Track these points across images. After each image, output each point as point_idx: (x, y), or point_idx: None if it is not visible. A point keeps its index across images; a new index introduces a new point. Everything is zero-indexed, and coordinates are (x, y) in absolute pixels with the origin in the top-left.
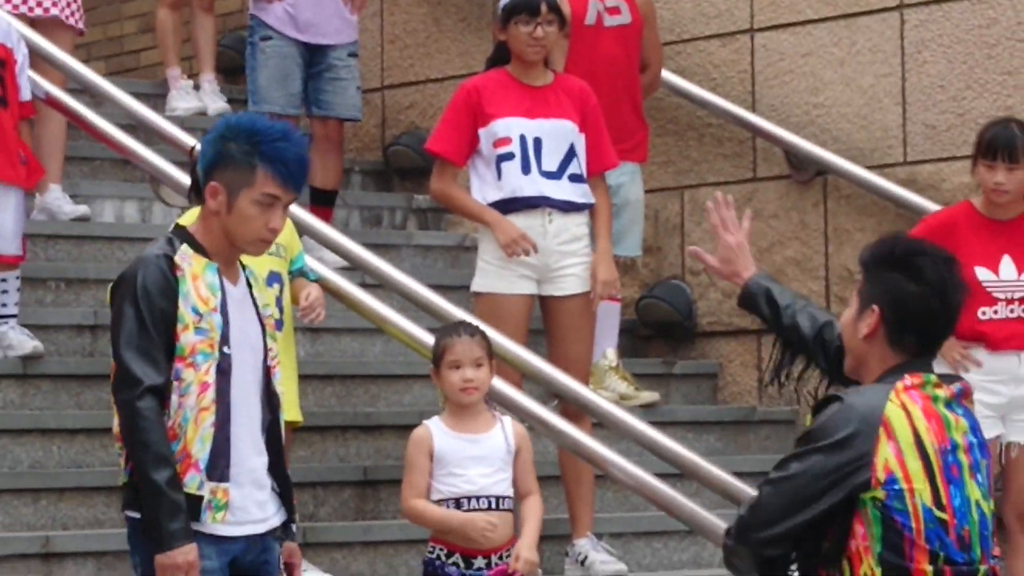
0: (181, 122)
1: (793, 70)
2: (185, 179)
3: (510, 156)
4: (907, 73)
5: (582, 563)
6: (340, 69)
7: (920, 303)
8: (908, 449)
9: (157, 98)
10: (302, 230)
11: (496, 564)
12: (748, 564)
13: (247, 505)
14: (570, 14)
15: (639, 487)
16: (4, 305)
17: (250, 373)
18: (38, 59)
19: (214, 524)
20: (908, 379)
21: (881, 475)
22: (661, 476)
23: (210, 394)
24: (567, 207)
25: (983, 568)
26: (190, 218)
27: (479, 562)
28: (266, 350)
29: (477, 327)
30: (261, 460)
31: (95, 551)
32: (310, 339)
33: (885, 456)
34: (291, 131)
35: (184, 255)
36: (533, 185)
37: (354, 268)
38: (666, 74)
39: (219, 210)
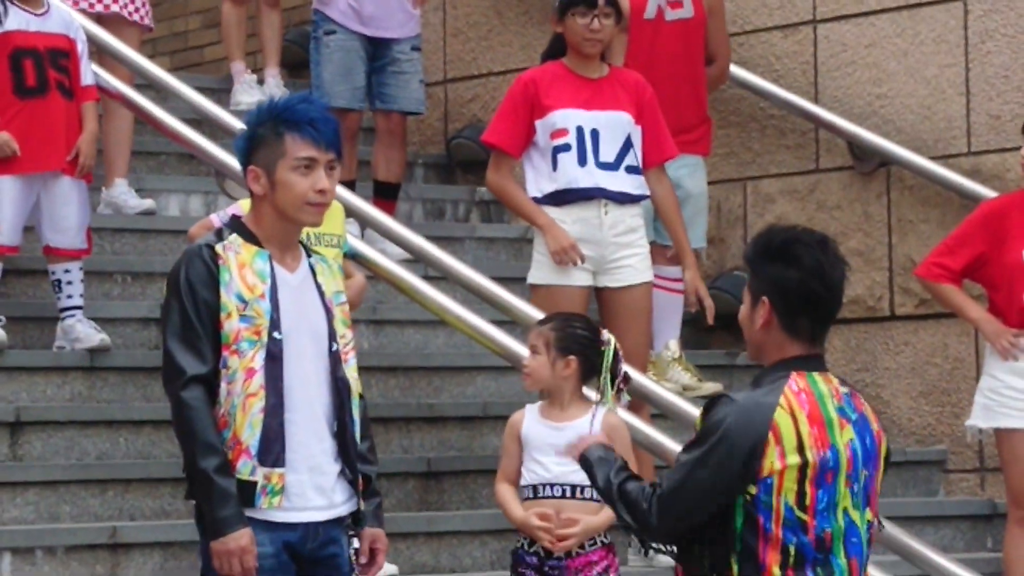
0: (245, 116)
1: (856, 61)
2: None
3: (567, 147)
4: (971, 63)
5: (645, 553)
6: (403, 63)
7: (802, 288)
8: (791, 453)
9: (221, 93)
10: (365, 223)
11: (577, 554)
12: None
13: (305, 491)
14: (629, 8)
15: None
16: (70, 296)
17: (310, 360)
18: (105, 55)
19: (269, 510)
20: (795, 381)
21: (764, 474)
22: None
23: (257, 380)
24: (623, 199)
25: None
26: (246, 208)
27: (558, 553)
28: (331, 336)
29: (559, 316)
30: (323, 447)
31: (162, 542)
32: (374, 331)
33: (771, 460)
34: (309, 96)
35: (230, 244)
36: (589, 177)
37: (417, 260)
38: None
39: (264, 192)
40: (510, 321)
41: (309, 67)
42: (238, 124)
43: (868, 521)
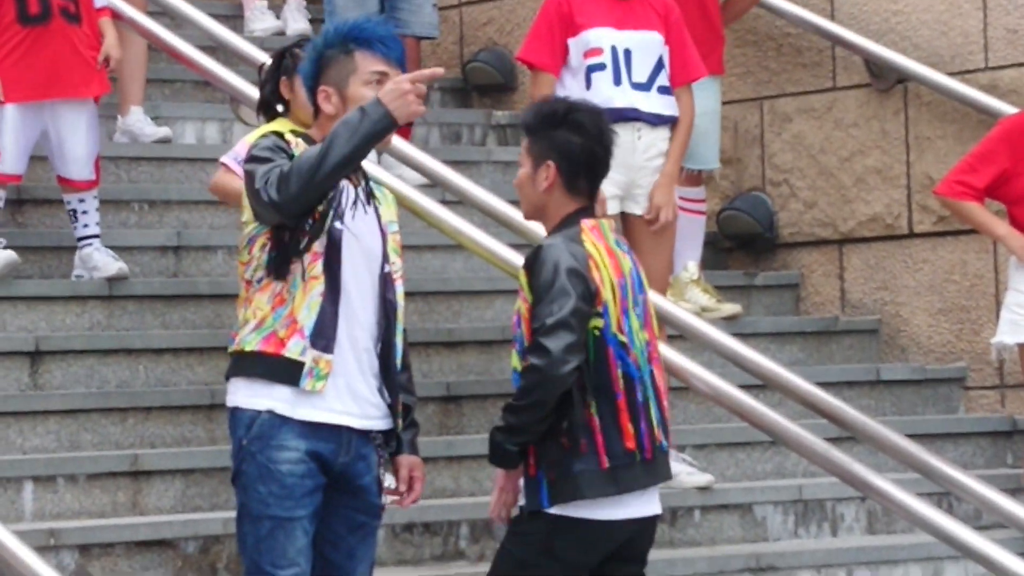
0: (260, 43)
1: None
2: None
3: (601, 67)
4: None
5: None
6: None
7: (586, 151)
8: (606, 282)
9: (236, 19)
10: (382, 148)
11: None
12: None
13: (342, 396)
14: None
15: (721, 398)
16: (86, 226)
17: (363, 274)
18: None
19: (311, 396)
20: (586, 223)
21: (600, 304)
22: (743, 387)
23: (320, 265)
24: (655, 120)
25: (654, 399)
26: (256, 137)
27: None
28: (384, 257)
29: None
30: (368, 359)
31: (183, 468)
32: None
33: (599, 287)
34: (373, 16)
35: (297, 144)
36: (624, 96)
37: (434, 185)
38: None
39: (336, 111)
40: (527, 244)
41: None
42: (253, 51)
43: (646, 339)
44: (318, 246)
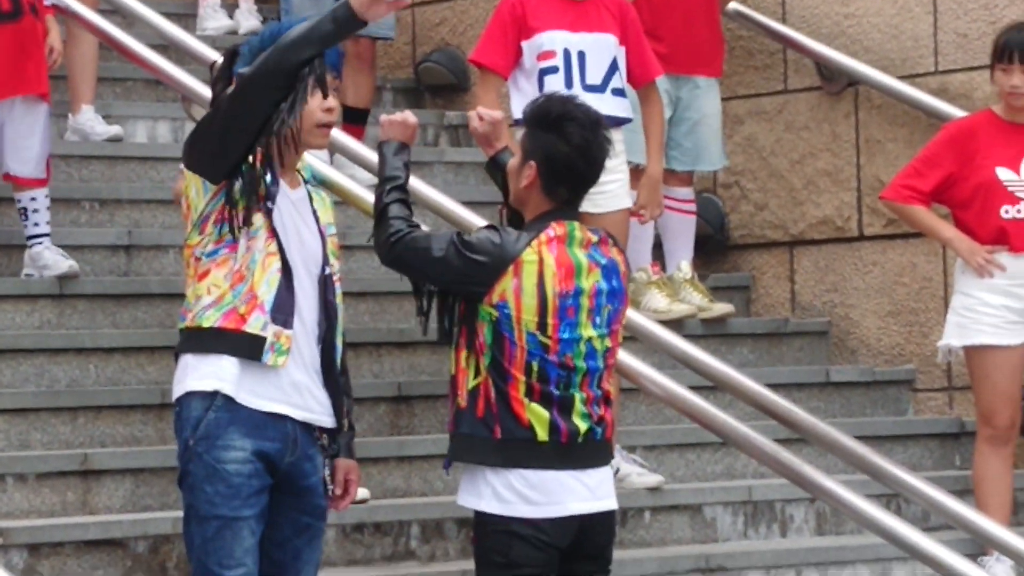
0: (213, 41)
1: None
2: None
3: (554, 69)
4: None
5: (617, 477)
6: None
7: (568, 162)
8: (528, 288)
9: (188, 18)
10: (334, 148)
11: None
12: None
13: (284, 387)
14: None
15: (672, 399)
16: (36, 224)
17: (304, 277)
18: None
19: (261, 379)
20: (554, 228)
21: (495, 299)
22: (694, 389)
23: (275, 243)
24: (609, 122)
25: (580, 394)
26: None
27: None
28: (325, 261)
29: None
30: (312, 353)
31: (133, 468)
32: (343, 256)
33: (503, 287)
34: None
35: None
36: None
37: None
38: None
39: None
40: None
41: None
42: (205, 49)
43: (607, 347)
44: (274, 224)
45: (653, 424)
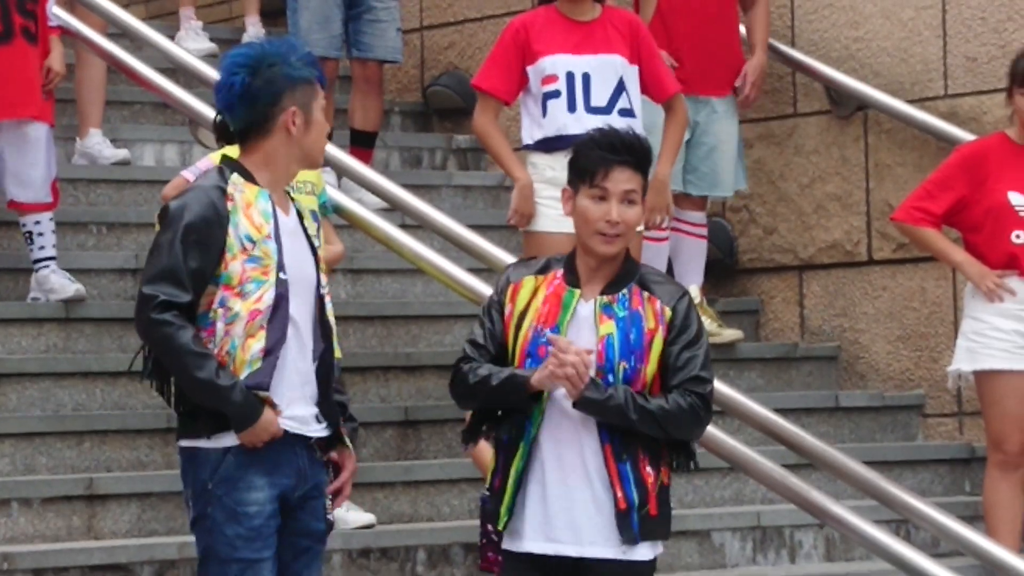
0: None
1: (832, 4)
2: None
3: (556, 94)
4: (947, 5)
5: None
6: (380, 11)
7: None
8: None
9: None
10: (342, 172)
11: None
12: None
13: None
14: None
15: None
16: (42, 248)
17: (304, 304)
18: (78, 4)
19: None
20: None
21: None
22: None
23: (259, 321)
24: None
25: None
26: (218, 159)
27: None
28: (319, 280)
29: None
30: (307, 388)
31: (139, 492)
32: (351, 280)
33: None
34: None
35: (236, 184)
36: (579, 123)
37: (394, 209)
38: None
39: (300, 134)
40: (487, 269)
41: (286, 15)
42: (213, 72)
43: None
44: (260, 303)
45: None
